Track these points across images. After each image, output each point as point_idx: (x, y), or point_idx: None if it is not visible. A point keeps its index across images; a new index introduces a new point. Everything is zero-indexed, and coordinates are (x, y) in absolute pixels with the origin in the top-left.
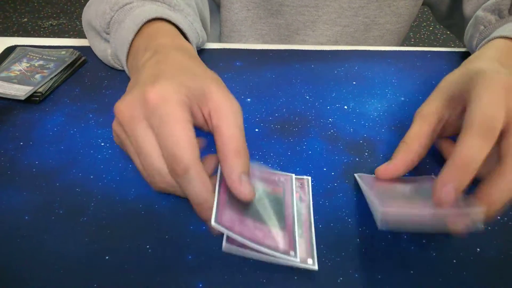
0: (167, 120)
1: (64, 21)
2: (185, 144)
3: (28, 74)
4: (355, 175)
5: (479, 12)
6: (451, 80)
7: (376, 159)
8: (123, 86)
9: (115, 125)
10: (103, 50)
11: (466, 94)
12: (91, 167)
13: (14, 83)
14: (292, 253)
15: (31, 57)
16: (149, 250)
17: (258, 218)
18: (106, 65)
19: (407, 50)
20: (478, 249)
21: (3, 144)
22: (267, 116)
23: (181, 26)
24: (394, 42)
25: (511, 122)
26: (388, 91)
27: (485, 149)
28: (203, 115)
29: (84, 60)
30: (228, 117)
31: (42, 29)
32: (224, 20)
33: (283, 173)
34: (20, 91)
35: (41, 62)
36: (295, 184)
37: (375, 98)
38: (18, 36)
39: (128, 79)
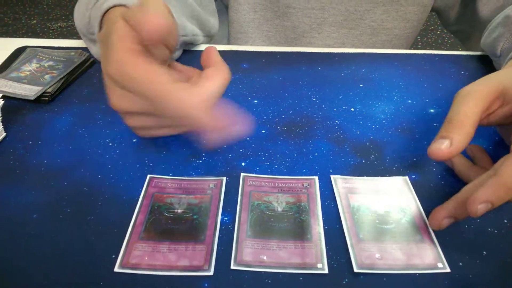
0: (131, 76)
1: (73, 23)
2: (153, 78)
3: (38, 74)
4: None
5: (511, 12)
6: (507, 76)
7: (383, 161)
8: None
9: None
10: (96, 53)
11: None
12: (99, 166)
13: (24, 83)
14: (206, 267)
15: (41, 57)
16: None
17: (176, 238)
18: None
19: (415, 53)
20: (485, 252)
21: (12, 143)
22: (273, 117)
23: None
24: (402, 47)
25: None
26: (395, 94)
27: None
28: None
29: (92, 61)
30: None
31: (51, 31)
32: (231, 21)
33: (214, 178)
34: (30, 91)
35: (50, 63)
36: (224, 187)
37: (382, 100)
38: (27, 37)
39: None
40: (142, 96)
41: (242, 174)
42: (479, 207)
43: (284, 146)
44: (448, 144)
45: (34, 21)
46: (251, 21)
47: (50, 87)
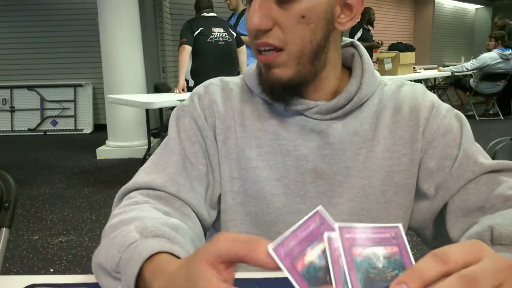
0: None
1: (73, 237)
2: None
3: None
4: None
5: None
6: None
7: None
8: None
9: None
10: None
11: None
12: None
13: None
14: None
15: None
16: None
17: None
18: None
19: None
20: None
21: None
22: None
23: (179, 254)
24: None
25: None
26: None
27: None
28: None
29: None
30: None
31: (51, 246)
32: None
33: (388, 225)
34: None
35: None
36: (405, 237)
37: None
38: (27, 253)
39: None
40: None
41: (337, 225)
42: None
43: None
44: None
45: (36, 237)
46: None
47: None
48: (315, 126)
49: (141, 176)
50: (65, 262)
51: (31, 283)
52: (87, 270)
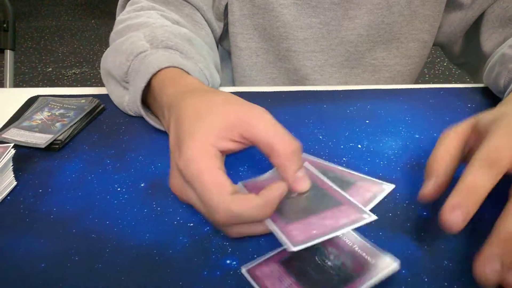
0: (197, 181)
1: (87, 69)
2: (213, 189)
3: (49, 122)
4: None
5: (508, 50)
6: (481, 117)
7: (393, 197)
8: (139, 132)
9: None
10: (121, 97)
11: (485, 132)
12: (107, 212)
13: (35, 131)
14: (365, 215)
15: (52, 106)
16: None
17: (318, 209)
18: (123, 111)
19: (420, 88)
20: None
21: (22, 191)
22: None
23: (191, 72)
24: (405, 83)
25: None
26: (402, 129)
27: (488, 179)
28: (244, 138)
29: (102, 108)
30: (264, 132)
31: (65, 78)
32: (235, 66)
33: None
34: (41, 139)
35: (61, 111)
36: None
37: (389, 136)
38: (43, 85)
39: (143, 124)
40: (198, 197)
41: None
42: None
43: None
44: (429, 187)
45: (50, 69)
46: (254, 64)
47: (60, 134)
48: None
49: None
50: None
51: (36, 94)
52: None
